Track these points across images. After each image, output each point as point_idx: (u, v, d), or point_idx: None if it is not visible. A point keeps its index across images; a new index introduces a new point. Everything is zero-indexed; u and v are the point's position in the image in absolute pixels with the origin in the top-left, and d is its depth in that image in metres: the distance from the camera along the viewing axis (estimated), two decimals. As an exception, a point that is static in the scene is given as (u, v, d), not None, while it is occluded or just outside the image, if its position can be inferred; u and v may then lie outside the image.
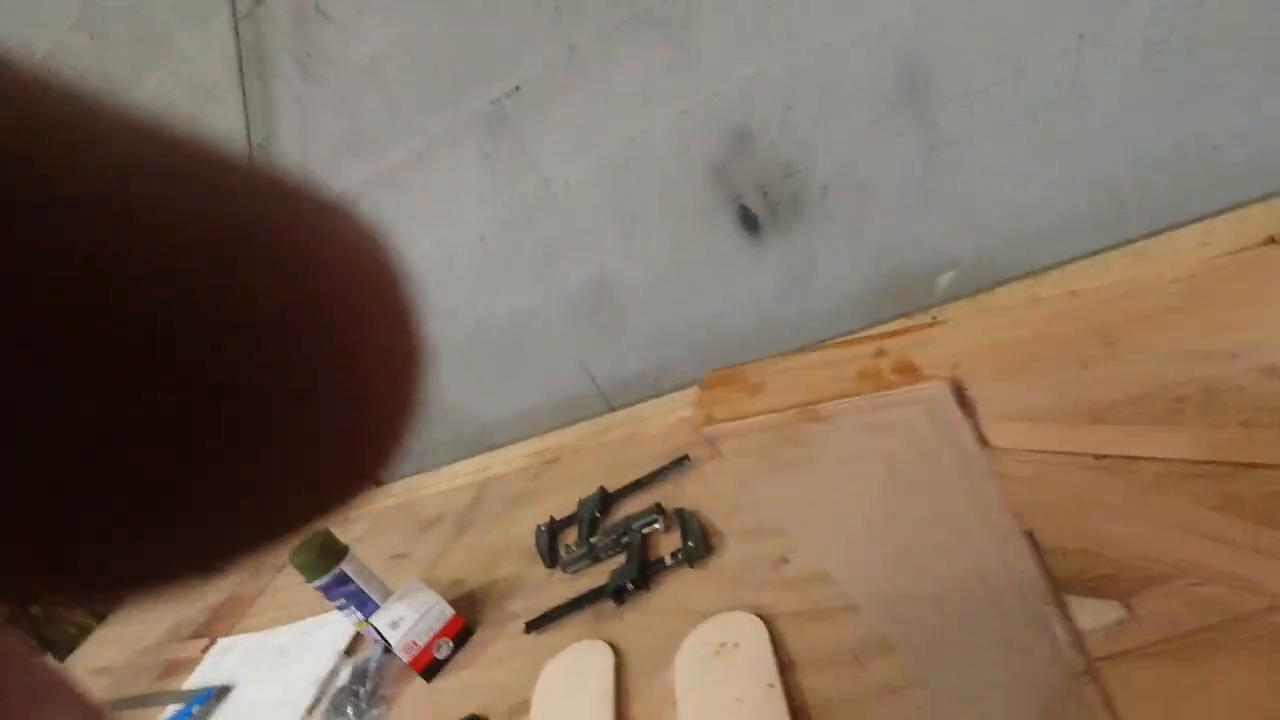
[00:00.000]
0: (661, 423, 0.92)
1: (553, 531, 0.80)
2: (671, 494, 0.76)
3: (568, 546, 0.76)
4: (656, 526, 0.72)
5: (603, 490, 0.82)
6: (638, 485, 0.80)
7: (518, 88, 0.86)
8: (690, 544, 0.66)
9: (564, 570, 0.73)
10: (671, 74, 0.82)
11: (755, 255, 0.91)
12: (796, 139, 0.84)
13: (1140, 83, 0.72)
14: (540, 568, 0.76)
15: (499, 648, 0.69)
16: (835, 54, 0.78)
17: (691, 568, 0.65)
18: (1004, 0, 0.73)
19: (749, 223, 0.89)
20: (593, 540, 0.74)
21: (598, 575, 0.70)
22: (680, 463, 0.79)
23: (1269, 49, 0.69)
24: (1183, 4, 0.68)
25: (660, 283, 0.96)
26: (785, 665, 0.50)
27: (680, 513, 0.71)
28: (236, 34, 0.91)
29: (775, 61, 0.80)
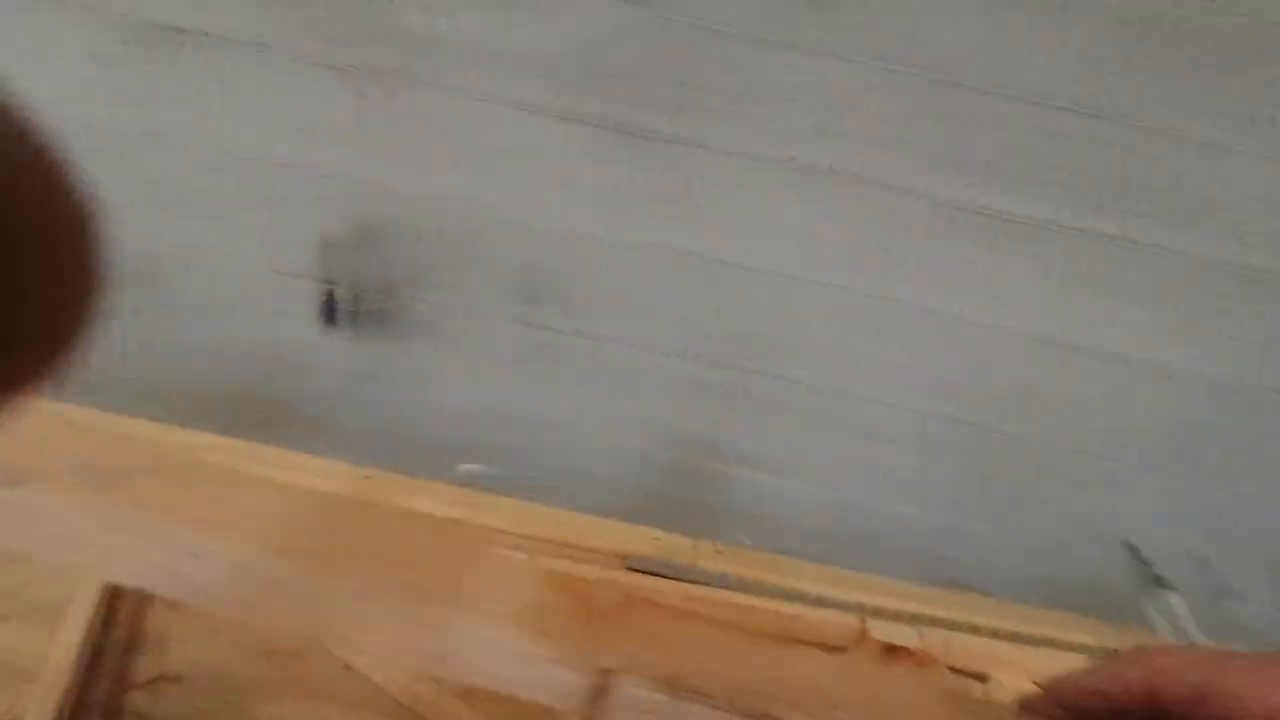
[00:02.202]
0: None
1: None
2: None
3: None
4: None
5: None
6: None
7: (207, 33, 0.78)
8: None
9: None
10: (350, 132, 0.80)
11: (326, 342, 0.87)
12: (412, 272, 0.84)
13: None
14: None
15: None
16: (479, 216, 0.82)
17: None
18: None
19: (329, 312, 0.85)
20: None
21: None
22: None
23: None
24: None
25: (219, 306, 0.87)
26: None
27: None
28: None
29: (442, 195, 0.81)
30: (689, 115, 0.77)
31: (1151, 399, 0.86)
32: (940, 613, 0.54)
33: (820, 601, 0.56)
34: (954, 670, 0.53)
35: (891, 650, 0.52)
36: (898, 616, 0.54)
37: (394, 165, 0.81)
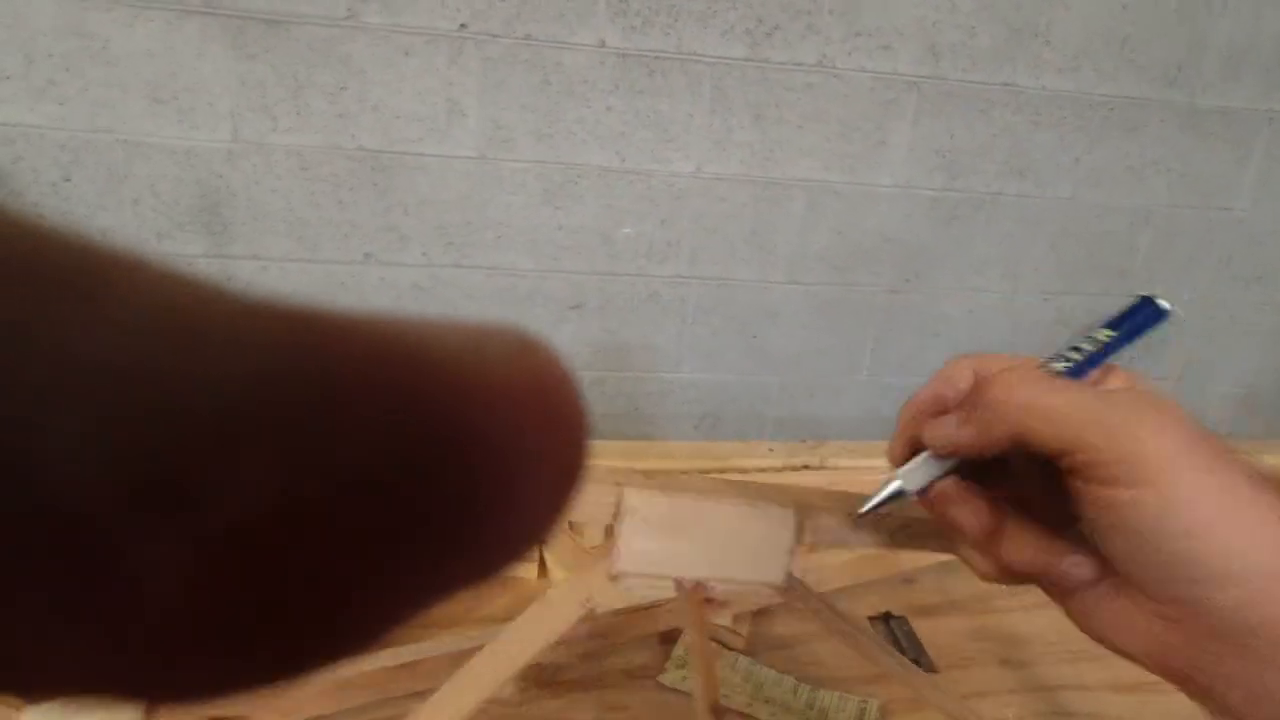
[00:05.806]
0: None
1: None
2: None
3: None
4: None
5: None
6: None
7: None
8: None
9: None
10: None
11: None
12: (63, 215, 0.75)
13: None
14: None
15: None
16: (126, 141, 0.73)
17: None
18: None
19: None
20: None
21: None
22: None
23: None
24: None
25: None
26: None
27: None
28: None
29: (78, 127, 0.72)
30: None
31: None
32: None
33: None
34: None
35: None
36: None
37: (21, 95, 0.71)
